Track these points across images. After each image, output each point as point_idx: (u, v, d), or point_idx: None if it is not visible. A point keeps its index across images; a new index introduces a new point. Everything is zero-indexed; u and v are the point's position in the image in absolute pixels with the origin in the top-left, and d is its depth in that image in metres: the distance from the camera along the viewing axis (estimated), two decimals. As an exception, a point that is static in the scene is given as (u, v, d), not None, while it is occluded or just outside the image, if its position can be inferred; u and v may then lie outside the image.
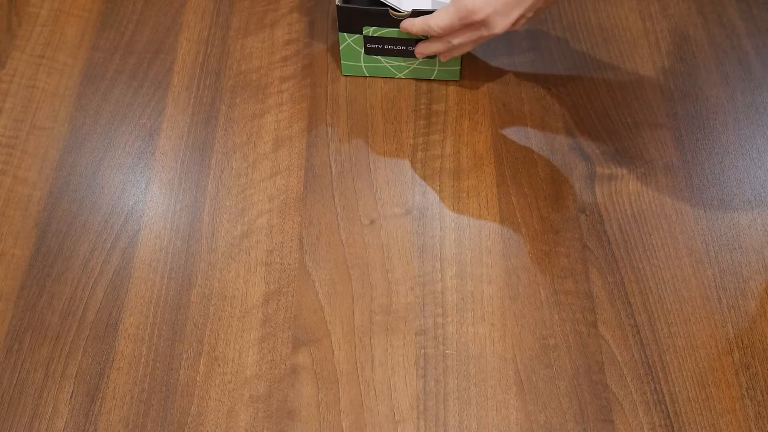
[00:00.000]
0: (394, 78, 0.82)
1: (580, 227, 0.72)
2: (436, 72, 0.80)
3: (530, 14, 0.71)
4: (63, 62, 0.84)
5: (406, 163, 0.76)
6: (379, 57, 0.80)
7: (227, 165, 0.76)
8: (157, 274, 0.70)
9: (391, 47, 0.78)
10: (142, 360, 0.65)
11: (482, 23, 0.70)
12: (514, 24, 0.71)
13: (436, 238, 0.71)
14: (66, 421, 0.63)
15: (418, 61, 0.79)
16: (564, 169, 0.75)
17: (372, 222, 0.72)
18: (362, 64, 0.81)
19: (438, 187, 0.74)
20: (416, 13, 0.74)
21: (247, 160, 0.77)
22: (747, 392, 0.63)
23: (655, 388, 0.63)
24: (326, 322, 0.67)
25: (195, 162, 0.77)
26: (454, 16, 0.70)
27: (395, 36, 0.77)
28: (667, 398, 0.63)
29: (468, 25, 0.71)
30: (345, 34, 0.78)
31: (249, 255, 0.71)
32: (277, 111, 0.80)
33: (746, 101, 0.79)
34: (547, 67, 0.82)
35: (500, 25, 0.70)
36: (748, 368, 0.64)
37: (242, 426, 0.62)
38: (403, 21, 0.74)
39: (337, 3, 0.75)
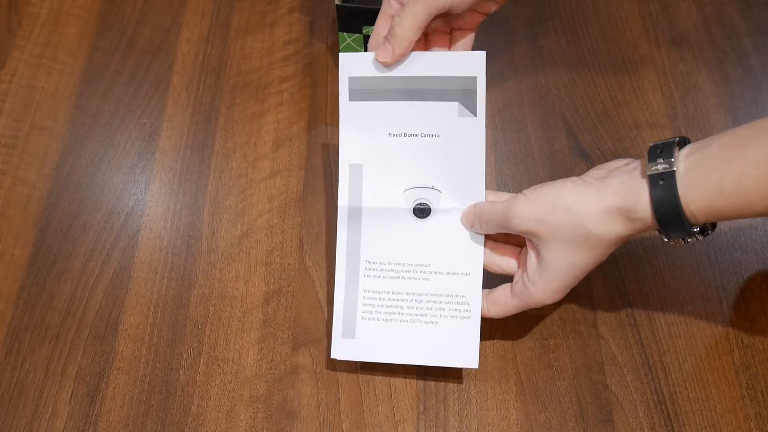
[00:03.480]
0: (394, 78, 0.82)
1: (580, 227, 0.72)
2: (436, 72, 0.80)
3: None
4: (63, 62, 0.84)
5: (406, 163, 0.76)
6: (379, 57, 0.79)
7: (227, 165, 0.76)
8: (157, 274, 0.70)
9: (391, 47, 0.78)
10: (142, 360, 0.65)
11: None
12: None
13: (436, 238, 0.71)
14: (66, 422, 0.63)
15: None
16: (564, 169, 0.75)
17: (372, 222, 0.72)
18: (362, 64, 0.81)
19: (438, 187, 0.74)
20: None
21: (247, 160, 0.77)
22: (747, 392, 0.63)
23: (655, 388, 0.63)
24: (326, 322, 0.67)
25: (195, 162, 0.77)
26: (520, 309, 0.62)
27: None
28: (667, 398, 0.63)
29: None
30: (345, 33, 0.78)
31: (249, 255, 0.71)
32: (277, 111, 0.80)
33: (746, 101, 0.79)
34: (547, 67, 0.82)
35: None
36: (748, 368, 0.64)
37: (242, 426, 0.62)
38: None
39: (336, 2, 0.75)
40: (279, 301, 0.68)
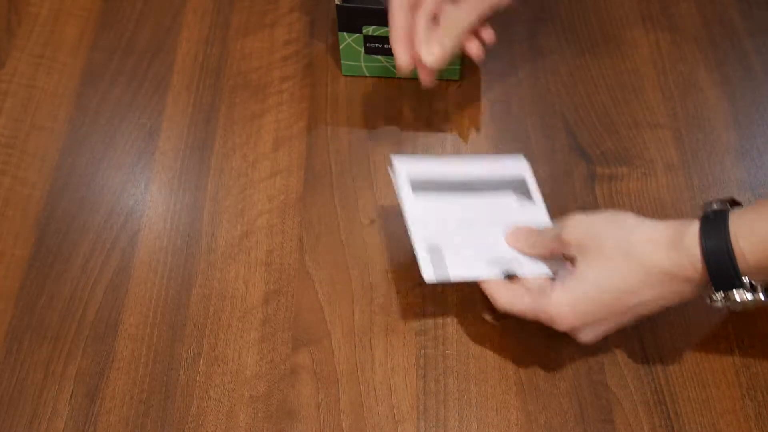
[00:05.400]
0: (394, 78, 0.82)
1: (580, 227, 0.72)
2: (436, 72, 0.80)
3: (630, 324, 0.60)
4: (62, 62, 0.84)
5: (406, 163, 0.76)
6: (379, 56, 0.80)
7: (227, 165, 0.76)
8: (157, 274, 0.70)
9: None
10: (142, 360, 0.65)
11: (564, 331, 0.60)
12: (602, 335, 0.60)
13: (436, 238, 0.71)
14: (66, 422, 0.63)
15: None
16: (564, 169, 0.75)
17: (372, 222, 0.72)
18: (362, 64, 0.81)
19: (438, 187, 0.74)
20: None
21: (247, 160, 0.76)
22: (747, 392, 0.63)
23: (655, 388, 0.63)
24: (326, 322, 0.67)
25: (195, 162, 0.77)
26: (528, 311, 0.59)
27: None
28: (667, 398, 0.63)
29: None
30: (345, 33, 0.78)
31: (249, 255, 0.71)
32: (277, 111, 0.80)
33: (746, 101, 0.79)
34: (547, 67, 0.82)
35: (585, 337, 0.59)
36: (748, 368, 0.64)
37: (242, 426, 0.62)
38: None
39: (336, 2, 0.75)
40: (279, 301, 0.68)
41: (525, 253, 0.62)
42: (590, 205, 0.73)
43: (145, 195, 0.75)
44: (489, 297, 0.61)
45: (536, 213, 0.63)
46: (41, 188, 0.75)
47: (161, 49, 0.85)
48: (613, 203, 0.73)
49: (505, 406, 0.63)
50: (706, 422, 0.62)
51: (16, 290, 0.69)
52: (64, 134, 0.79)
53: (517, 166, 0.66)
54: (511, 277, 0.60)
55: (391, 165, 0.66)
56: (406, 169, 0.64)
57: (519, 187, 0.65)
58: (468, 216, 0.63)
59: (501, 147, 0.77)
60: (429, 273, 0.60)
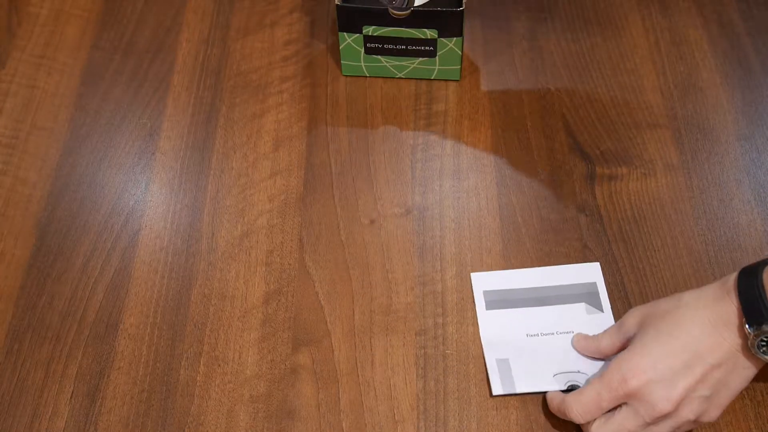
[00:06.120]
0: (394, 78, 0.82)
1: (580, 227, 0.72)
2: (436, 72, 0.80)
3: (705, 392, 0.56)
4: (63, 62, 0.84)
5: (406, 163, 0.76)
6: (379, 57, 0.80)
7: (227, 165, 0.76)
8: (157, 274, 0.70)
9: (391, 47, 0.78)
10: (142, 360, 0.65)
11: (637, 396, 0.57)
12: (682, 402, 0.56)
13: (436, 238, 0.71)
14: (66, 421, 0.63)
15: (418, 61, 0.79)
16: (564, 169, 0.75)
17: (372, 222, 0.72)
18: (362, 64, 0.81)
19: (438, 187, 0.74)
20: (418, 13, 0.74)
21: (247, 160, 0.77)
22: (747, 392, 0.63)
23: (655, 388, 0.63)
24: (326, 322, 0.67)
25: (195, 162, 0.77)
26: (601, 391, 0.58)
27: (395, 35, 0.77)
28: (667, 398, 0.63)
29: (618, 398, 0.58)
30: (345, 33, 0.78)
31: (249, 255, 0.71)
32: (277, 111, 0.80)
33: (746, 101, 0.79)
34: (547, 67, 0.82)
35: (661, 396, 0.56)
36: (747, 368, 0.64)
37: (242, 426, 0.62)
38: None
39: (336, 2, 0.75)
40: (279, 301, 0.68)
41: (594, 356, 0.64)
42: (590, 205, 0.73)
43: (145, 195, 0.75)
44: (560, 415, 0.61)
45: (604, 325, 0.65)
46: (42, 188, 0.75)
47: (161, 49, 0.85)
48: (613, 203, 0.73)
49: (505, 406, 0.63)
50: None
51: (16, 290, 0.69)
52: (64, 134, 0.79)
53: (590, 274, 0.68)
54: (574, 388, 0.62)
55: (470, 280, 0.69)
56: (482, 286, 0.68)
57: (589, 299, 0.67)
58: (538, 328, 0.66)
59: (501, 146, 0.77)
60: (497, 386, 0.63)
